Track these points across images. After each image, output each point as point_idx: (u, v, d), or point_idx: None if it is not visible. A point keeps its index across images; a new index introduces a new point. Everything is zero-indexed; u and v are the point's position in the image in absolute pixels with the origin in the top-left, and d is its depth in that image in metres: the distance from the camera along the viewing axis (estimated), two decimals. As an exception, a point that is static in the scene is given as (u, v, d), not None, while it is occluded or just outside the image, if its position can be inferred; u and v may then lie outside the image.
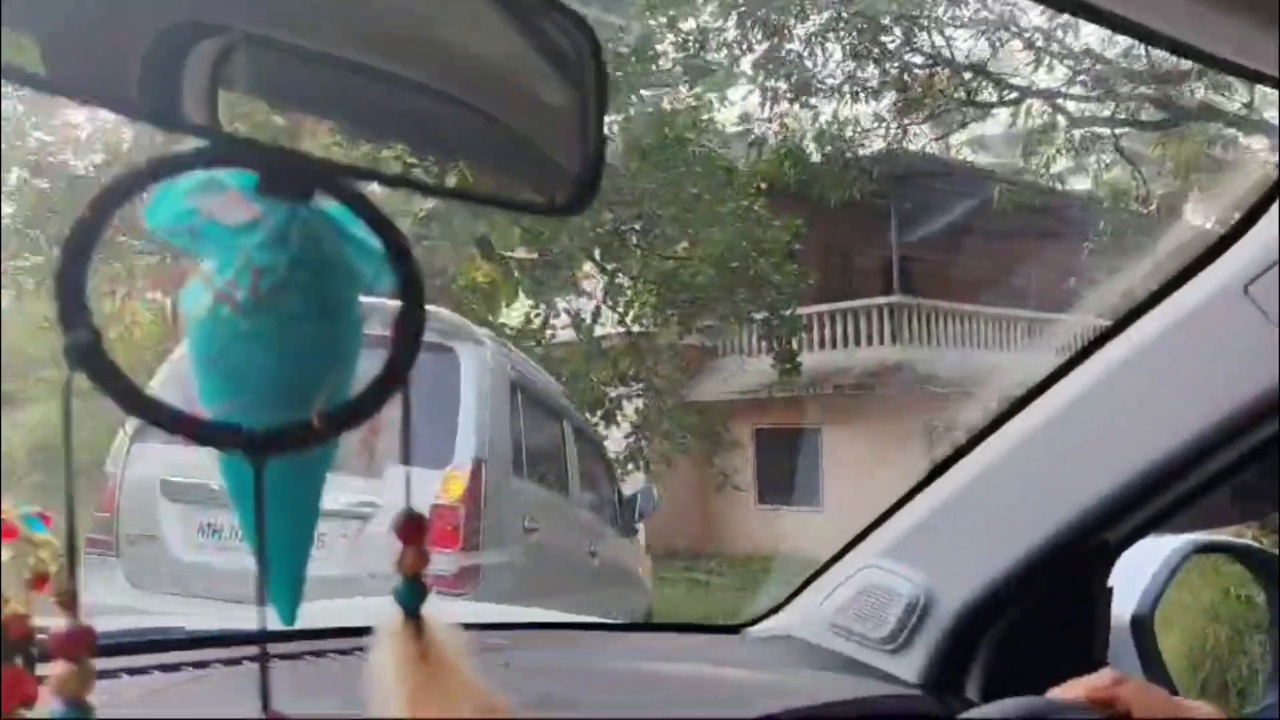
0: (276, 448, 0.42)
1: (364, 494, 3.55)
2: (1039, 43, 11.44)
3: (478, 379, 4.21)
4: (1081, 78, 12.19)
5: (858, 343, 14.91)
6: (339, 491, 3.65)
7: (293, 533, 0.46)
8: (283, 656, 0.88)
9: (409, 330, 0.45)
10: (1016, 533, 1.06)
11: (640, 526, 6.42)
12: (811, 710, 0.87)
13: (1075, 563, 1.07)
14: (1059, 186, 14.62)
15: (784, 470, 14.64)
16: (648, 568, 6.76)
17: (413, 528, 0.45)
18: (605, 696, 0.98)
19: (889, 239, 15.51)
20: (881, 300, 15.26)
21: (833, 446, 14.98)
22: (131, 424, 4.14)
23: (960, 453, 1.16)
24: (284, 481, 0.43)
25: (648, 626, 1.93)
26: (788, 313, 10.28)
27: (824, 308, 14.47)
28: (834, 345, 14.96)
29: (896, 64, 11.37)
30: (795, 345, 10.90)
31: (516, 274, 9.69)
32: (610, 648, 1.40)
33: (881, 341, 15.29)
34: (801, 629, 1.13)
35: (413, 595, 0.45)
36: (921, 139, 13.59)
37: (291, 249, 0.43)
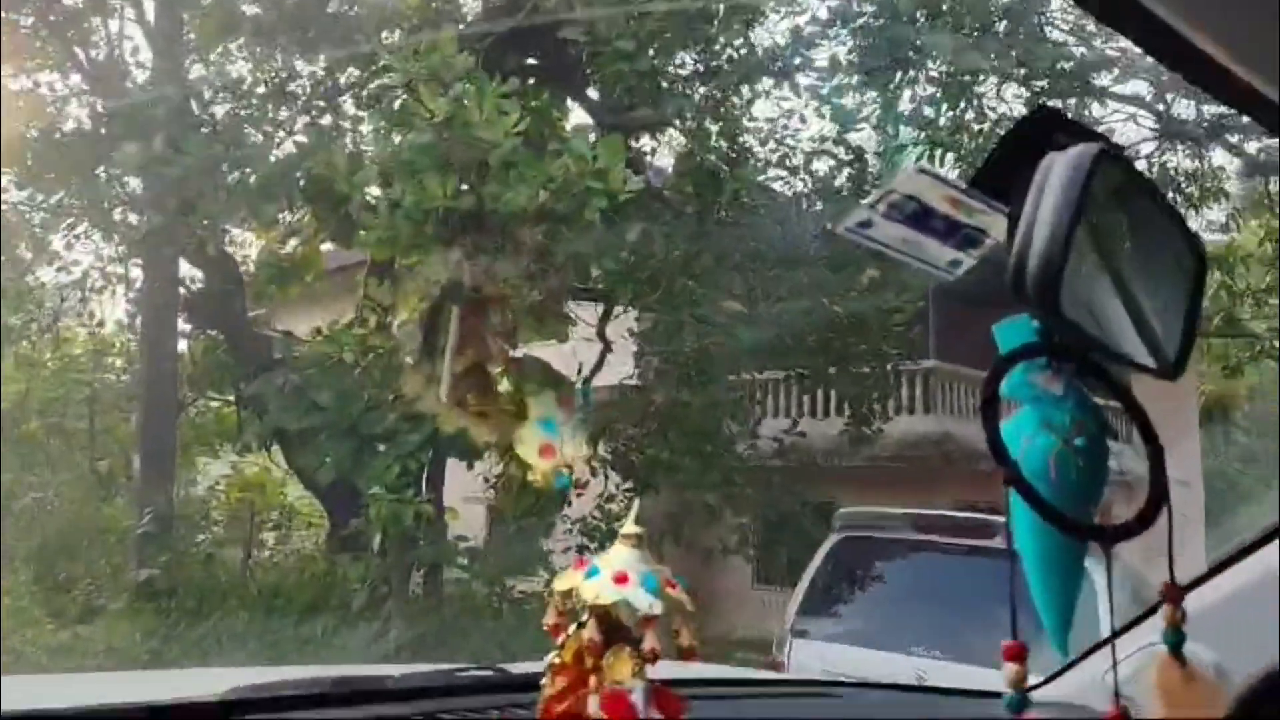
0: (1116, 539, 0.75)
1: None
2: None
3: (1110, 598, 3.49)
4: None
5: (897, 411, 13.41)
6: None
7: (1072, 594, 0.79)
8: None
9: (1159, 477, 0.78)
10: None
11: None
12: None
13: None
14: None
15: (789, 548, 13.02)
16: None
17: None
18: None
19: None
20: (913, 366, 13.88)
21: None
22: (790, 621, 5.22)
23: (1267, 538, 1.28)
24: (1071, 559, 0.78)
25: (913, 689, 2.05)
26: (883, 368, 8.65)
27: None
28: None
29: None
30: (879, 408, 9.37)
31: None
32: (884, 709, 1.65)
33: (912, 411, 13.87)
34: (1083, 697, 1.21)
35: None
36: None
37: (1090, 411, 0.77)
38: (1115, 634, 0.98)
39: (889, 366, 9.34)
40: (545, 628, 1.02)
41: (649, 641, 0.97)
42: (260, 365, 8.35)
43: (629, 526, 1.01)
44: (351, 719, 1.15)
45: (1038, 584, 0.77)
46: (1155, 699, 0.77)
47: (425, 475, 8.11)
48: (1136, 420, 0.79)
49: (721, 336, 7.87)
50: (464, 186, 5.65)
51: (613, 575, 0.97)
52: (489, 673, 1.54)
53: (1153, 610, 1.31)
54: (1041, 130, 0.78)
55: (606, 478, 10.67)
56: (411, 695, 1.31)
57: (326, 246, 10.99)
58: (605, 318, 9.75)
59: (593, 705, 0.97)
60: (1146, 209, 0.80)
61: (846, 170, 7.82)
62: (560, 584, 1.01)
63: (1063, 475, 0.73)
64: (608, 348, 10.06)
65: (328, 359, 7.83)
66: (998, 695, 0.73)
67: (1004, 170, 0.80)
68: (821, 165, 8.04)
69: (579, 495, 10.54)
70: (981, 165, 0.83)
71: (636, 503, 1.18)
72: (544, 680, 1.00)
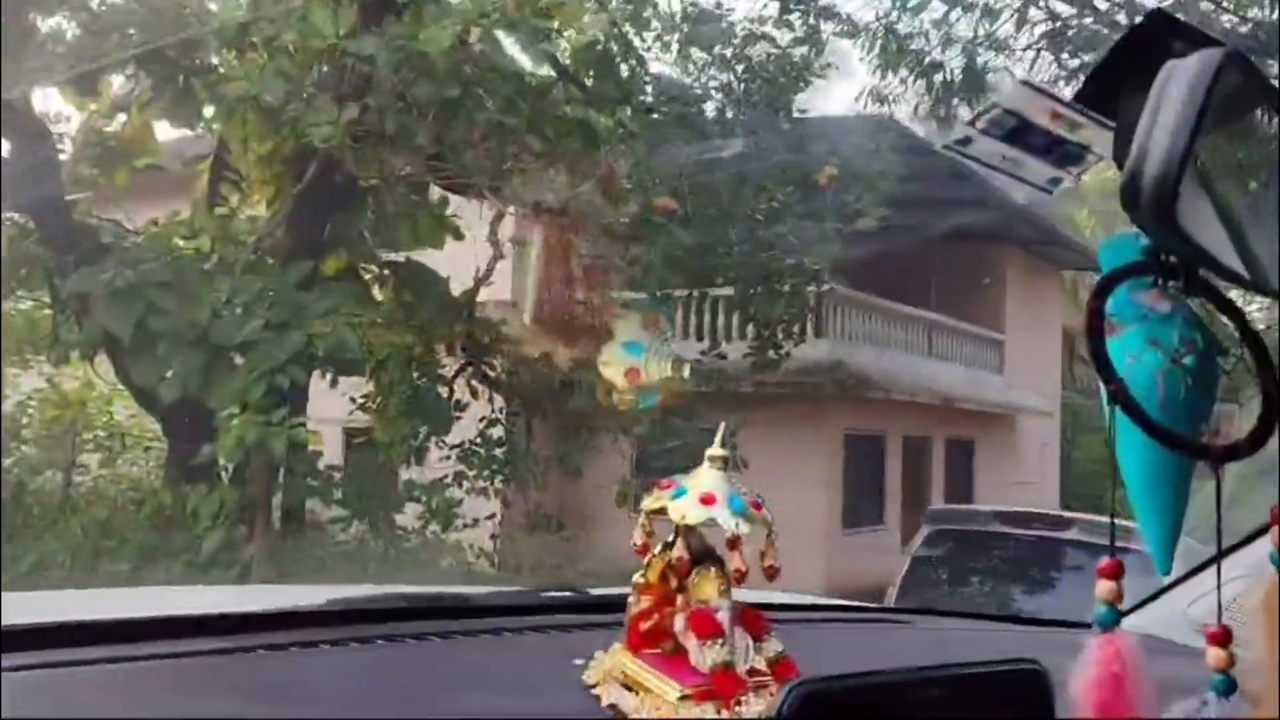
0: (1225, 459, 0.72)
1: None
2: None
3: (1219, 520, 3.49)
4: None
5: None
6: None
7: (1177, 515, 0.76)
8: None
9: (1271, 383, 0.73)
10: None
11: None
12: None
13: None
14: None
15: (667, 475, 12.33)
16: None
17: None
18: None
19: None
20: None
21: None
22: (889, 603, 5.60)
23: None
24: (1177, 479, 0.75)
25: (995, 618, 1.93)
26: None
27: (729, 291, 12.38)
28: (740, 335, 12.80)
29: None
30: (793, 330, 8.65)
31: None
32: (959, 639, 1.65)
33: (804, 335, 13.40)
34: (1165, 629, 1.17)
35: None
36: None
37: (1199, 330, 0.74)
38: (1219, 556, 0.83)
39: (810, 284, 8.63)
40: (633, 547, 1.01)
41: (735, 561, 0.98)
42: (82, 257, 6.85)
43: (714, 449, 1.00)
44: (440, 631, 1.22)
45: (1141, 504, 0.77)
46: (1261, 620, 0.74)
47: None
48: (1248, 339, 0.76)
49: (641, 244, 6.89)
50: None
51: (700, 496, 0.97)
52: (571, 593, 1.56)
53: (1233, 548, 1.32)
54: (1156, 37, 0.75)
55: (491, 400, 9.69)
56: (496, 612, 1.37)
57: (170, 135, 9.40)
58: (498, 218, 8.64)
59: (679, 624, 0.98)
60: (1262, 117, 0.76)
61: (793, 55, 6.91)
62: (648, 504, 1.01)
63: (1170, 393, 0.72)
64: (499, 254, 8.99)
65: (173, 251, 6.44)
66: (1084, 625, 0.72)
67: (1114, 81, 0.77)
68: (759, 50, 7.12)
69: (458, 419, 9.58)
70: (1089, 75, 0.80)
71: (723, 425, 1.03)
72: (630, 599, 1.02)
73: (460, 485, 9.43)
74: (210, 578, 5.30)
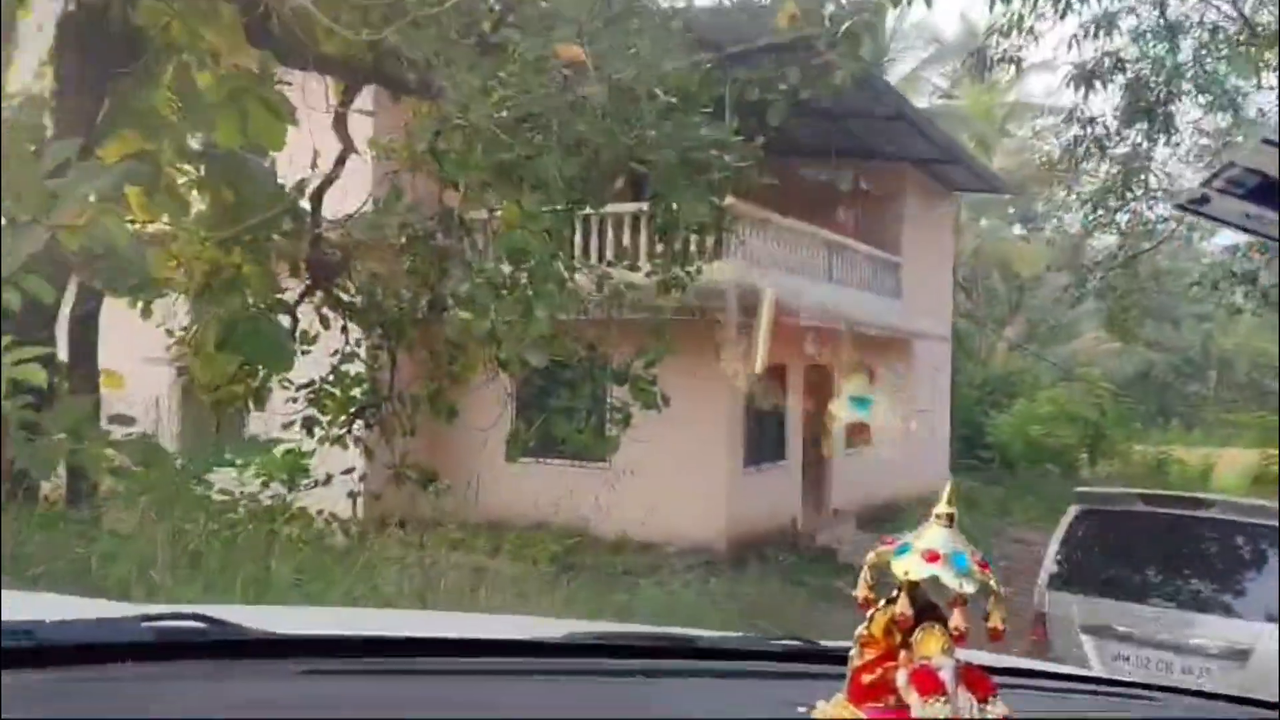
0: None
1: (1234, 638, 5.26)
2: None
3: None
4: None
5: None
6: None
7: None
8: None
9: None
10: None
11: None
12: None
13: None
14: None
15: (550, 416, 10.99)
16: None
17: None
18: None
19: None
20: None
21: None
22: (1044, 578, 6.51)
23: None
24: None
25: (1249, 702, 1.73)
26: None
27: (629, 207, 11.09)
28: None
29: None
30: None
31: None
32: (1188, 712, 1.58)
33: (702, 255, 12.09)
34: None
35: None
36: None
37: None
38: None
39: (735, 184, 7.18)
40: (857, 599, 1.01)
41: (958, 620, 0.97)
42: None
43: (941, 506, 1.00)
44: (670, 670, 1.25)
45: None
46: None
47: (55, 320, 5.10)
48: None
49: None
50: None
51: (924, 553, 0.97)
52: (797, 642, 1.59)
53: None
54: None
55: (345, 330, 8.00)
56: (723, 655, 1.40)
57: None
58: (346, 98, 6.86)
59: (901, 679, 0.99)
60: None
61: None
62: (870, 559, 1.02)
63: None
64: (349, 147, 7.22)
65: None
66: None
67: None
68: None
69: (305, 354, 7.93)
70: None
71: (949, 484, 1.01)
72: (852, 651, 1.02)
73: (311, 434, 7.87)
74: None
